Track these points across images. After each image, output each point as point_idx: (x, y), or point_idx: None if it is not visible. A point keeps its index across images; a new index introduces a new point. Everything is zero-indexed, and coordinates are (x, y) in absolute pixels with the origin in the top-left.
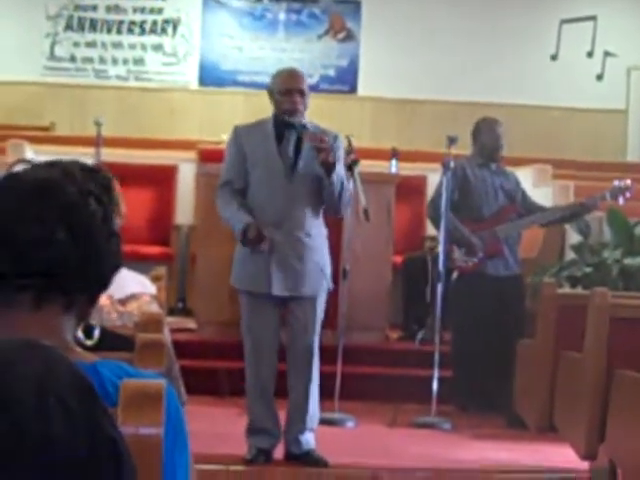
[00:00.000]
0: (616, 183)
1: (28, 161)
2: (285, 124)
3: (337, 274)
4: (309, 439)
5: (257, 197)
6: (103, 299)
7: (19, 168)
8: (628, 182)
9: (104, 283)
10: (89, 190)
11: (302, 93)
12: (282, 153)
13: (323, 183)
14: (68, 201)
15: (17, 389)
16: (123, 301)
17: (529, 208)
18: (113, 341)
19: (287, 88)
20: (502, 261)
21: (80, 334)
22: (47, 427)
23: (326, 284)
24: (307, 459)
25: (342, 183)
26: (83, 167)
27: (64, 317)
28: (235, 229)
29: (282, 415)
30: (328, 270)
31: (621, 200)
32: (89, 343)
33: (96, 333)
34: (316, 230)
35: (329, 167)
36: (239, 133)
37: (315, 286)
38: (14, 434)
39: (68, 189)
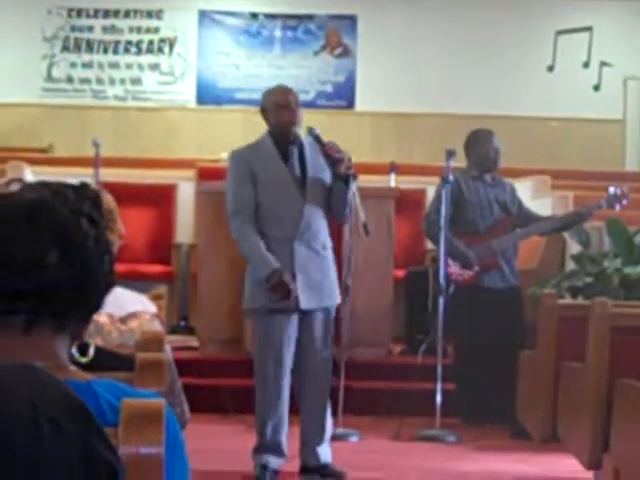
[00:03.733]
0: (611, 190)
1: (21, 180)
2: (288, 141)
3: (339, 289)
4: (326, 451)
5: (273, 215)
6: (103, 318)
7: (13, 187)
8: (625, 188)
9: (97, 304)
10: (80, 209)
11: (297, 106)
12: (290, 171)
13: (332, 190)
14: (59, 222)
15: (9, 411)
16: (124, 319)
17: (526, 219)
18: (108, 359)
19: (283, 102)
20: (499, 273)
21: (74, 351)
22: (40, 448)
23: (336, 298)
24: (324, 472)
25: None
26: (72, 186)
27: (57, 337)
28: (260, 274)
29: (292, 430)
30: (337, 284)
31: (618, 207)
32: (83, 360)
33: (91, 351)
34: (328, 243)
35: (346, 177)
36: (243, 155)
37: (332, 298)
38: (7, 456)
39: (59, 209)
